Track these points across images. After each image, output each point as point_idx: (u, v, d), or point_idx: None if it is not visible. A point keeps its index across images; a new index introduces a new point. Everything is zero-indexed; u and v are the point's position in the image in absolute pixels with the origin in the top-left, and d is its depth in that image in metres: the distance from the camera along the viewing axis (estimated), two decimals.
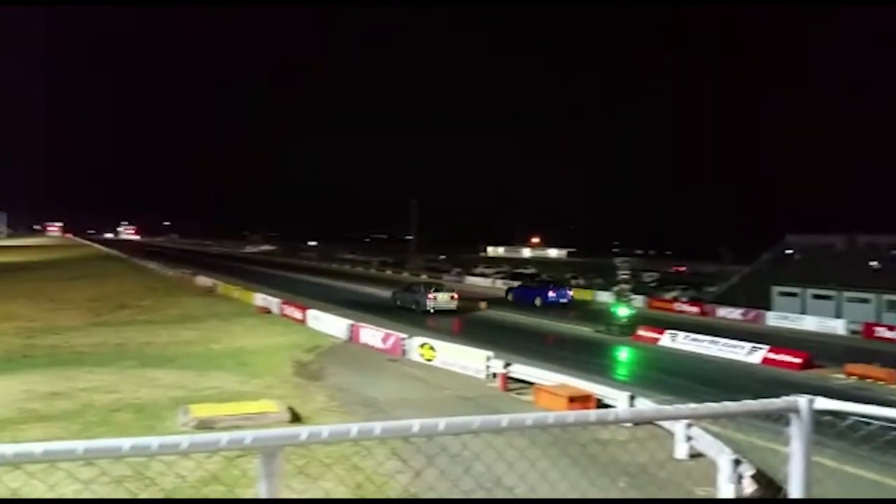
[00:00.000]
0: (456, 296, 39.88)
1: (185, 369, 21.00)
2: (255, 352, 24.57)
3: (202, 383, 18.92)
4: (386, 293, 44.80)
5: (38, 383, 18.34)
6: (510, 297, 47.14)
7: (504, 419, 2.80)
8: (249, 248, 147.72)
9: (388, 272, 78.12)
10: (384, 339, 25.75)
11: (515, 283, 52.35)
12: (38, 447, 2.27)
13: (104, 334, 28.02)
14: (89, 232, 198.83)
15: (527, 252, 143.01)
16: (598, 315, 35.21)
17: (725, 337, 28.24)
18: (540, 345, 28.44)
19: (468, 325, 34.33)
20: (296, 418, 14.97)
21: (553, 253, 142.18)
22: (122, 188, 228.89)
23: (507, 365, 20.00)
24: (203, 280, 52.05)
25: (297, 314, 33.05)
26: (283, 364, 22.55)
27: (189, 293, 45.86)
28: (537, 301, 44.45)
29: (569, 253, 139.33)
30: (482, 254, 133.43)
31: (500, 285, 60.27)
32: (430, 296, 38.77)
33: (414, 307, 38.58)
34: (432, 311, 37.73)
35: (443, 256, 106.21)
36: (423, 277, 63.23)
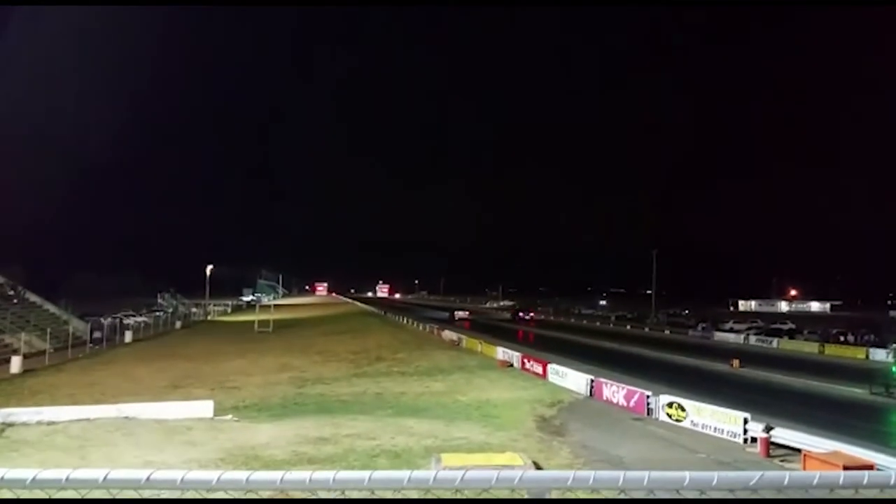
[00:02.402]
0: (468, 312, 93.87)
1: (435, 419, 22.07)
2: (498, 405, 25.08)
3: (451, 433, 19.71)
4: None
5: (308, 428, 20.40)
6: (512, 317, 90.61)
7: (785, 476, 2.56)
8: (490, 304, 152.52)
9: (628, 327, 75.76)
10: (627, 397, 24.84)
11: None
12: (330, 474, 2.54)
13: (364, 384, 30.52)
14: (350, 291, 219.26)
15: (783, 305, 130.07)
16: (871, 375, 30.80)
17: None
18: (802, 406, 25.38)
19: (474, 326, 71.99)
20: None
21: (815, 306, 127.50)
22: (379, 248, 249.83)
23: (768, 428, 18.15)
24: (448, 334, 54.72)
25: (538, 368, 33.24)
26: (525, 418, 22.71)
27: (437, 347, 48.42)
28: (516, 318, 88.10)
29: (833, 306, 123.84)
30: (731, 308, 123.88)
31: (754, 342, 55.64)
32: (456, 313, 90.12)
33: (449, 317, 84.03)
34: (457, 319, 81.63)
35: (686, 311, 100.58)
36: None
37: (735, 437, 19.43)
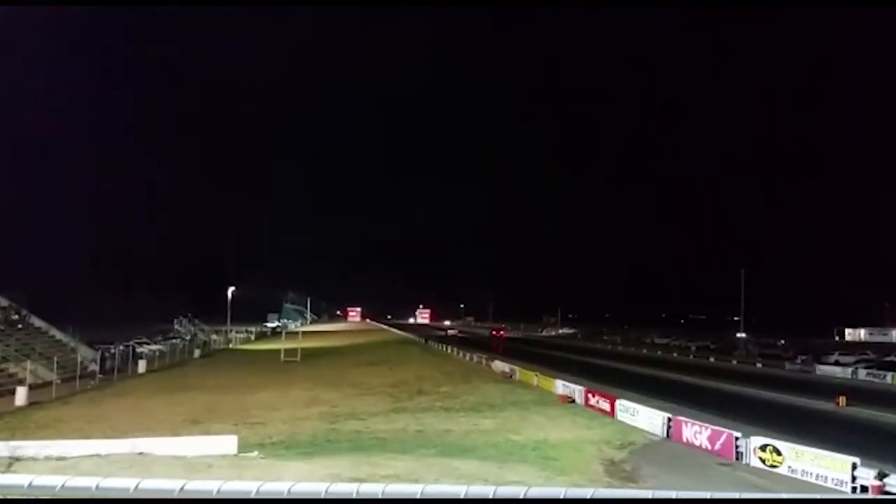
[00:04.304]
0: (458, 330, 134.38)
1: (485, 460, 22.04)
2: (558, 445, 24.91)
3: (504, 476, 19.66)
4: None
5: (342, 468, 20.55)
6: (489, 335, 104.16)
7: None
8: (546, 332, 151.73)
9: (712, 359, 74.33)
10: (712, 438, 24.39)
11: None
12: (379, 487, 2.66)
13: (404, 421, 30.66)
14: (387, 316, 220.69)
15: None
16: None
17: None
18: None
19: (460, 341, 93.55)
20: None
21: None
22: (416, 272, 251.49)
23: (882, 475, 17.63)
24: (499, 365, 54.58)
25: (604, 405, 32.91)
26: (591, 461, 22.52)
27: (486, 379, 48.34)
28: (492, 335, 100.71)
29: None
30: (836, 338, 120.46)
31: (864, 377, 54.08)
32: (449, 330, 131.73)
33: (445, 333, 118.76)
34: (449, 334, 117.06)
35: (782, 341, 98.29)
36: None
37: (841, 485, 18.89)
